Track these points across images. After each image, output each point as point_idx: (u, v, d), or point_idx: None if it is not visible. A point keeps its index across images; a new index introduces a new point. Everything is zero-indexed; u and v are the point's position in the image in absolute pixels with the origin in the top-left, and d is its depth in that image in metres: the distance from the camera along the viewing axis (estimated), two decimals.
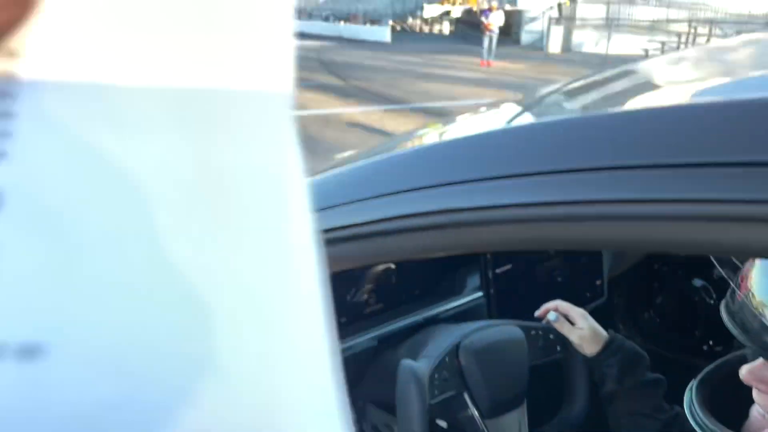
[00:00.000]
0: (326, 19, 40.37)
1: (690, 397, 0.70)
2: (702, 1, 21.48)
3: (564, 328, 1.05)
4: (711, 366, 0.75)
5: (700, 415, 0.67)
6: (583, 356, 1.08)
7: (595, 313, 1.56)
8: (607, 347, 1.00)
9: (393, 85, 11.36)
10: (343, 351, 1.15)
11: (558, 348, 1.10)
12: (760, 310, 0.56)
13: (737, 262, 0.64)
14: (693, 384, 0.74)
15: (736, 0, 21.77)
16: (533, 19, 23.03)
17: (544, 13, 21.83)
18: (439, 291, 1.35)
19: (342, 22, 36.42)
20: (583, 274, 1.54)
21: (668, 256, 2.09)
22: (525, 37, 23.04)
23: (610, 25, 19.57)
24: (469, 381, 0.98)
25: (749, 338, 0.59)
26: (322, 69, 14.18)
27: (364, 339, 1.17)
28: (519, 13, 24.34)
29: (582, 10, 21.08)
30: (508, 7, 25.83)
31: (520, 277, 1.38)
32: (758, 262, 0.57)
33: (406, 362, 0.93)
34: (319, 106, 9.11)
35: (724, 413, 0.65)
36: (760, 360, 0.63)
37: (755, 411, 0.68)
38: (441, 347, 0.99)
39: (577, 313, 1.06)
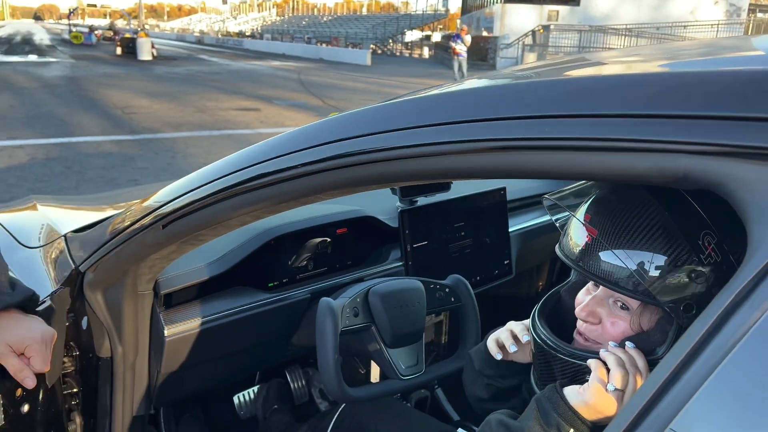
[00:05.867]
0: (308, 41, 40.77)
1: (534, 314, 0.96)
2: (669, 33, 22.27)
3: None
4: (547, 295, 1.00)
5: (540, 327, 0.90)
6: (473, 309, 1.34)
7: (503, 287, 1.84)
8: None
9: (368, 104, 11.62)
10: (283, 302, 1.42)
11: (452, 299, 1.37)
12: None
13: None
14: (536, 307, 0.96)
15: (702, 31, 22.57)
16: (509, 46, 23.61)
17: (519, 39, 22.44)
18: (366, 261, 1.64)
19: (323, 45, 36.78)
20: (492, 254, 1.81)
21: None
22: (500, 63, 23.58)
23: (582, 52, 20.22)
24: (375, 317, 1.24)
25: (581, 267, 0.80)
26: (301, 89, 14.46)
27: (299, 292, 1.45)
28: (494, 39, 24.95)
29: (555, 38, 21.74)
30: (485, 33, 26.43)
31: (435, 251, 1.66)
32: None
33: (324, 298, 1.20)
34: (297, 124, 9.37)
35: (556, 329, 0.90)
36: (592, 300, 0.84)
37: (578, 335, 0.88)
38: (355, 291, 1.26)
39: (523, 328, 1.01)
